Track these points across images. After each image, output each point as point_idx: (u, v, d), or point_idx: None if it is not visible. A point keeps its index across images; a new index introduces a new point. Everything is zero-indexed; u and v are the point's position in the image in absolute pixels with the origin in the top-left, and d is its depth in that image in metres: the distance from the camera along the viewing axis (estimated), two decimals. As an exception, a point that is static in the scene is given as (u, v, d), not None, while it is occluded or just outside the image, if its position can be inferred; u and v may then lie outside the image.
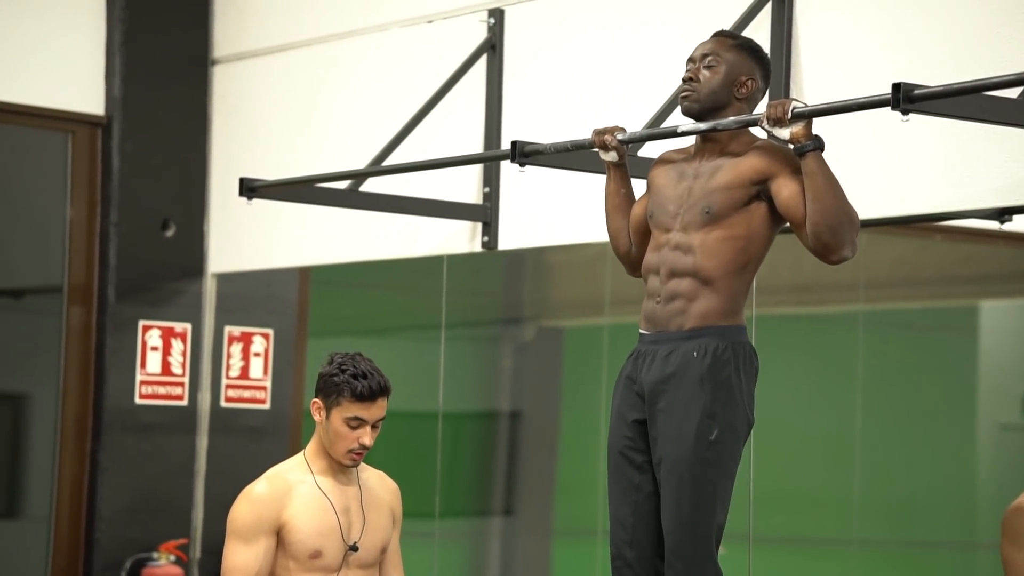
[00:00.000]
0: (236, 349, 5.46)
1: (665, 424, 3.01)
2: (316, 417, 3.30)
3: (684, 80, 3.14)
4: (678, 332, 3.03)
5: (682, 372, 3.00)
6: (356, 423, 3.25)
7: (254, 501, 3.26)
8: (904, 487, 5.80)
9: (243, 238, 5.34)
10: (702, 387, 2.98)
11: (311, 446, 3.34)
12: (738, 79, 3.11)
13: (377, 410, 3.26)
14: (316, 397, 3.29)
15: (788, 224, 3.04)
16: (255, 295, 5.51)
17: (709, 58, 3.12)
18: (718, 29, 3.24)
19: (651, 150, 3.63)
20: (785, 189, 3.00)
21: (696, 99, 3.12)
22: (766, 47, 3.68)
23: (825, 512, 5.85)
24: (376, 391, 3.25)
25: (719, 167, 3.08)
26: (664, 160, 3.22)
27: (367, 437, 3.26)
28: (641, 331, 3.12)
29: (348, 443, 3.26)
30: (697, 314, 3.02)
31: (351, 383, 3.23)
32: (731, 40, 3.15)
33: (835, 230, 2.92)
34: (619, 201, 3.31)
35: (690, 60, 3.16)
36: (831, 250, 2.93)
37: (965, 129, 3.26)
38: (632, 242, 3.27)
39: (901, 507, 5.80)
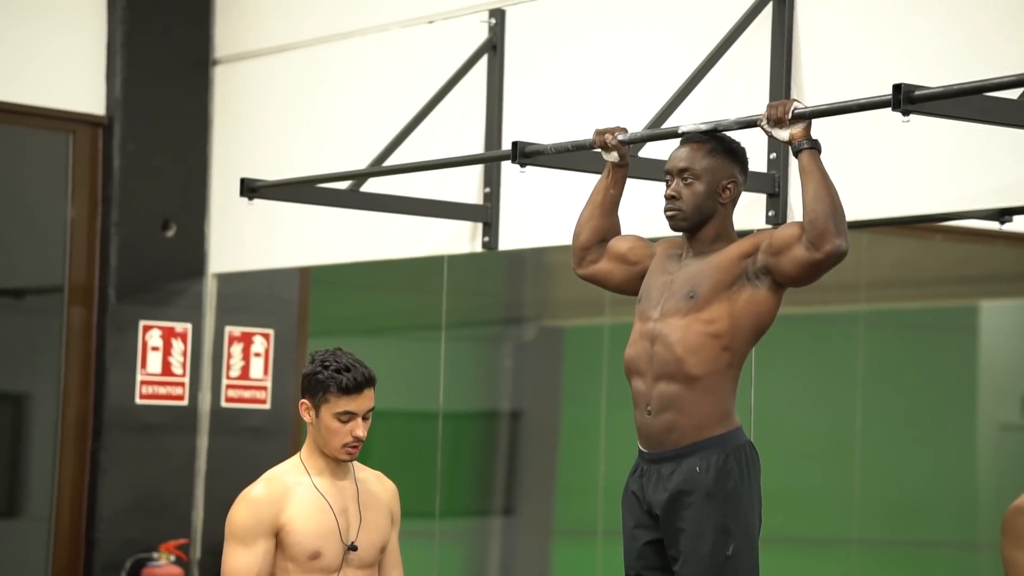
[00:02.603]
0: (236, 349, 5.46)
1: (681, 543, 3.03)
2: (306, 418, 3.29)
3: (667, 197, 3.13)
4: (676, 449, 3.04)
5: (689, 490, 3.01)
6: (347, 417, 3.24)
7: (252, 503, 3.26)
8: (904, 487, 5.80)
9: (244, 238, 5.34)
10: (711, 503, 3.00)
11: (306, 447, 3.33)
12: (719, 185, 3.11)
13: (365, 401, 3.25)
14: (303, 398, 3.29)
15: (775, 277, 3.02)
16: (256, 295, 5.51)
17: (687, 173, 3.11)
18: (680, 134, 3.21)
19: (652, 151, 3.63)
20: (773, 234, 3.02)
21: (683, 217, 3.12)
22: (766, 47, 3.69)
23: (825, 512, 5.85)
24: (361, 382, 3.24)
25: (704, 258, 3.10)
26: (665, 247, 3.22)
27: (360, 429, 3.25)
28: (640, 447, 3.13)
29: (342, 438, 3.25)
30: (691, 427, 3.03)
31: (335, 377, 3.23)
32: (705, 146, 3.13)
33: (830, 217, 2.92)
34: (603, 199, 3.31)
35: (667, 173, 3.15)
36: (827, 236, 2.92)
37: (965, 130, 3.26)
38: (597, 244, 3.28)
39: (901, 507, 5.81)
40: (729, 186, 3.12)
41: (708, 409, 3.03)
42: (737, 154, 3.15)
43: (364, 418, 3.26)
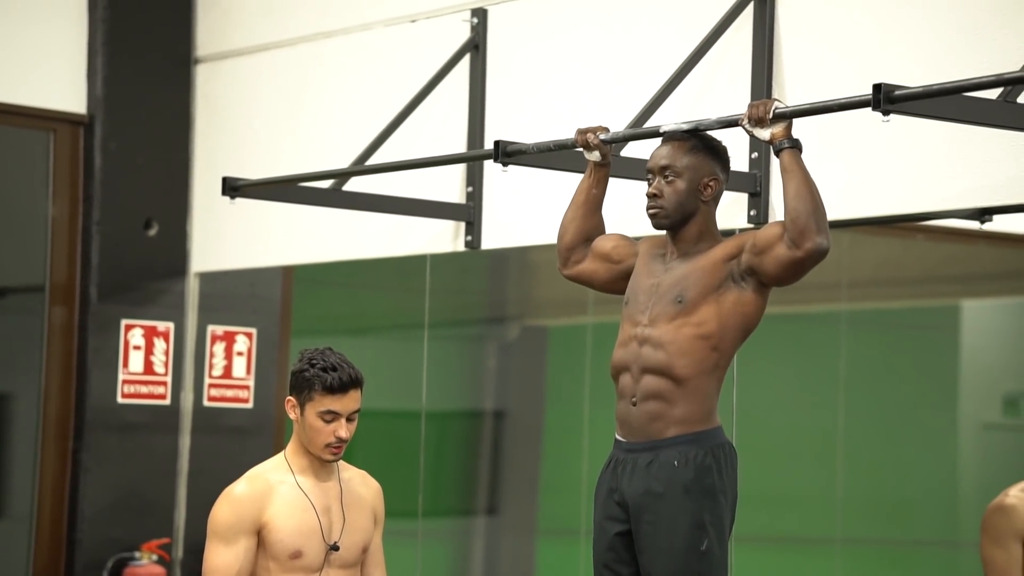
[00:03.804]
0: (219, 348, 5.45)
1: (653, 537, 3.02)
2: (291, 415, 3.29)
3: (648, 196, 3.13)
4: (656, 440, 3.04)
5: (666, 483, 3.01)
6: (330, 416, 3.24)
7: (234, 501, 3.25)
8: (887, 486, 5.82)
9: (226, 237, 5.33)
10: (688, 497, 3.00)
11: (291, 445, 3.33)
12: (700, 183, 3.11)
13: (350, 402, 3.25)
14: (290, 395, 3.29)
15: (759, 278, 3.02)
16: (238, 294, 5.50)
17: (668, 171, 3.11)
18: (661, 133, 3.20)
19: (635, 150, 3.64)
20: (757, 234, 3.02)
21: (665, 215, 3.12)
22: (748, 47, 3.70)
23: (808, 511, 5.87)
24: (347, 383, 3.24)
25: (689, 260, 3.10)
26: (649, 246, 3.22)
27: (343, 430, 3.25)
28: (617, 437, 3.13)
29: (325, 437, 3.25)
30: (673, 420, 3.03)
31: (321, 376, 3.23)
32: (686, 143, 3.13)
33: (811, 215, 2.93)
34: (585, 198, 3.32)
35: (649, 171, 3.15)
36: (808, 234, 2.93)
37: (946, 130, 3.27)
38: (581, 244, 3.28)
39: (884, 506, 5.82)
40: (711, 184, 3.12)
41: (692, 406, 3.03)
42: (719, 152, 3.15)
43: (349, 419, 3.26)
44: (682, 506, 3.00)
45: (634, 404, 3.07)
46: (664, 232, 3.18)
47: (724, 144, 3.18)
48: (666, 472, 3.01)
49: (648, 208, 3.13)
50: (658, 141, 3.23)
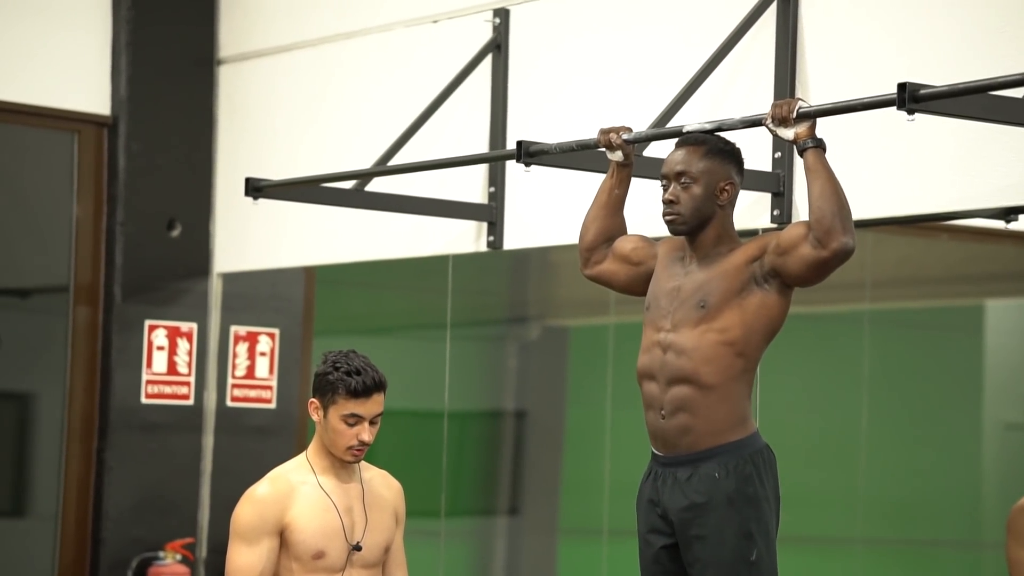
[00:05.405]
0: (242, 348, 5.47)
1: (701, 550, 3.01)
2: (314, 417, 3.29)
3: (665, 202, 3.11)
4: (693, 453, 3.02)
5: (708, 496, 3.00)
6: (354, 420, 3.24)
7: (257, 502, 3.26)
8: (909, 486, 5.80)
9: (249, 238, 5.34)
10: (732, 509, 2.99)
11: (312, 446, 3.34)
12: (716, 187, 3.09)
13: (373, 405, 3.25)
14: (313, 397, 3.29)
15: (783, 279, 3.01)
16: (261, 295, 5.52)
17: (684, 177, 3.09)
18: (684, 133, 3.18)
19: (657, 150, 3.63)
20: (780, 235, 3.01)
21: (683, 221, 3.10)
22: (771, 47, 3.70)
23: (830, 511, 5.85)
24: (371, 386, 3.24)
25: (709, 264, 3.08)
26: (668, 248, 3.20)
27: (366, 433, 3.25)
28: (653, 450, 3.11)
29: (347, 440, 3.25)
30: (707, 432, 3.01)
31: (345, 380, 3.23)
32: (700, 148, 3.11)
33: (836, 214, 2.92)
34: (608, 199, 3.31)
35: (664, 177, 3.13)
36: (833, 234, 2.91)
37: (970, 129, 3.26)
38: (602, 244, 3.28)
39: (906, 506, 5.80)
40: (727, 187, 3.10)
41: (723, 415, 3.02)
42: (734, 155, 3.14)
43: (372, 422, 3.26)
44: (728, 518, 2.98)
45: (663, 417, 3.06)
46: None
47: (739, 146, 3.17)
48: (707, 485, 3.00)
49: (665, 215, 3.12)
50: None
